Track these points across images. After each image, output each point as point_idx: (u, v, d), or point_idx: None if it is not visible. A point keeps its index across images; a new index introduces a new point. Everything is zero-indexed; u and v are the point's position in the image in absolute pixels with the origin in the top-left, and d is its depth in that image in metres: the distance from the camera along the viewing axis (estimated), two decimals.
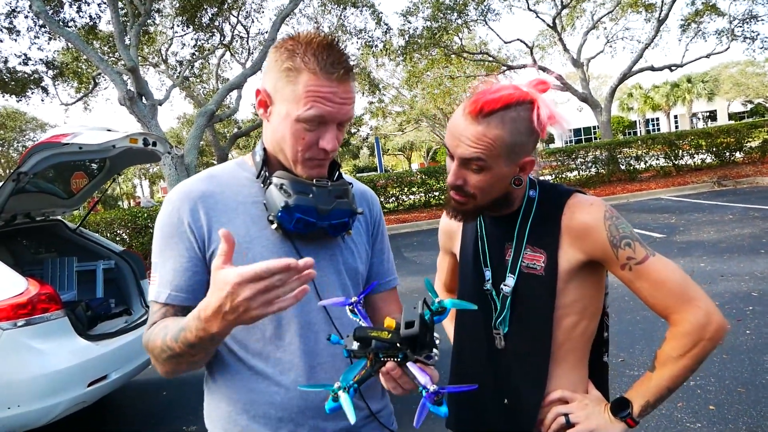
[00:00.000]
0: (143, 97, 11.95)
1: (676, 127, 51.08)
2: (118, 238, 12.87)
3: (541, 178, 1.29)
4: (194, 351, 1.04)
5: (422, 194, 16.72)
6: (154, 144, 4.10)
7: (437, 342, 1.02)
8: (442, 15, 18.66)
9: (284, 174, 1.19)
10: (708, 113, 56.62)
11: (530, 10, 20.62)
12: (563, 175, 16.65)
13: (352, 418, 0.92)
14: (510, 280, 1.33)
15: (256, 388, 1.21)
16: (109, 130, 3.97)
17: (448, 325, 1.68)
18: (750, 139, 17.10)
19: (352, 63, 1.17)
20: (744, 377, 3.66)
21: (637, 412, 1.21)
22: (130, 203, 48.42)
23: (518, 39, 21.04)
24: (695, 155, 17.14)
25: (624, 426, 1.22)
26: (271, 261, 0.88)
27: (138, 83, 11.85)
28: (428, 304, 1.02)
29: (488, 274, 1.39)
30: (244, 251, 1.18)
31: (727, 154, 17.06)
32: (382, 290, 1.45)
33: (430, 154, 53.16)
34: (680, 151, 17.01)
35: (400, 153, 55.98)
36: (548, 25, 21.20)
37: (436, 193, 16.62)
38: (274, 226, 1.18)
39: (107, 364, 3.72)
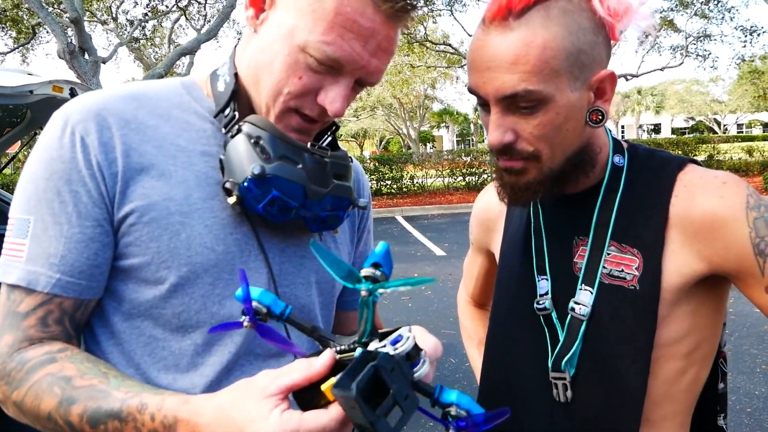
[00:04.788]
0: (85, 53, 11.14)
1: (623, 136, 52.65)
2: None
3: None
4: None
5: (374, 182, 16.44)
6: None
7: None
8: None
9: (263, 121, 0.74)
10: (653, 126, 58.78)
11: None
12: None
13: None
14: (585, 296, 0.85)
15: None
16: (29, 75, 3.46)
17: (475, 355, 1.19)
18: (696, 154, 17.58)
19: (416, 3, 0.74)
20: None
21: None
22: None
23: None
24: None
25: None
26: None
27: (81, 36, 11.04)
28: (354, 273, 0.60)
29: (545, 284, 0.90)
30: (177, 227, 0.74)
31: None
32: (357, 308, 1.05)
33: (383, 143, 53.00)
34: None
35: (353, 139, 55.54)
36: None
37: (389, 182, 16.52)
38: (233, 199, 0.73)
39: None
